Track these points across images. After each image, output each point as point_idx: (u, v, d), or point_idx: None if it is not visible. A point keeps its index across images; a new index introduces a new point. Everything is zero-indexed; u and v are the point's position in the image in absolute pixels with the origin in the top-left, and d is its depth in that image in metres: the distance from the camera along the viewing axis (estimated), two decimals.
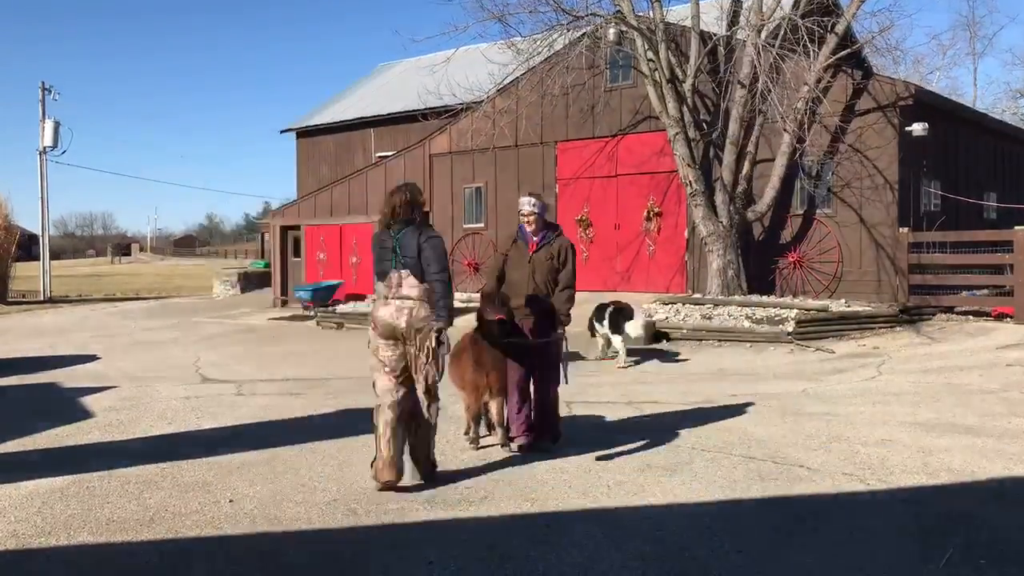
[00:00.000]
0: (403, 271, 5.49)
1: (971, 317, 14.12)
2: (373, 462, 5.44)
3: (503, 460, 6.16)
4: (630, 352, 11.71)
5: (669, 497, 5.25)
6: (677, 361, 11.89)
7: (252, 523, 4.88)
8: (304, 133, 29.33)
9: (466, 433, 6.57)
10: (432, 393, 5.50)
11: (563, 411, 6.97)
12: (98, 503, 5.27)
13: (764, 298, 15.12)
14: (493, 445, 6.47)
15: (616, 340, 11.59)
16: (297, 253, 24.02)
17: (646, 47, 15.49)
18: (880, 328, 13.40)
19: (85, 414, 8.38)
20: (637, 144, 17.91)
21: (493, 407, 6.40)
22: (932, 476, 5.61)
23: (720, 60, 16.02)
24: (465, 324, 7.35)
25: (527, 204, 6.50)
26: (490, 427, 6.65)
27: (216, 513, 5.05)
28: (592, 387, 9.57)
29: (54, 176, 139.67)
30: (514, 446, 6.39)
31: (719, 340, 13.20)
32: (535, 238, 6.50)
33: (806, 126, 14.79)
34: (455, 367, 6.51)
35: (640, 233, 18.04)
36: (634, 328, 11.55)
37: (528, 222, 6.50)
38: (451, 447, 6.55)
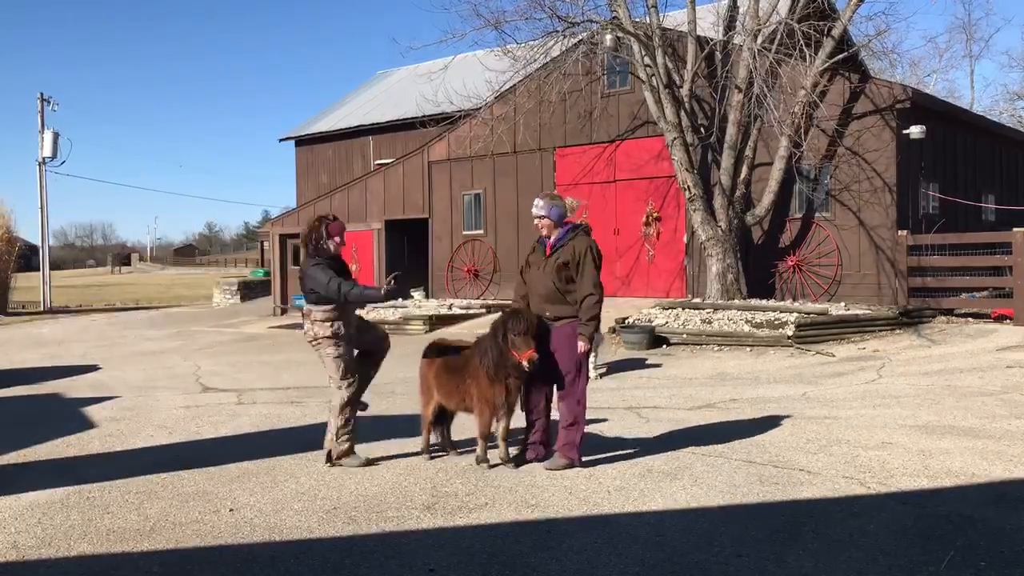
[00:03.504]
0: None
1: (971, 319, 14.12)
2: None
3: (503, 467, 6.14)
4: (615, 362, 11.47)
5: (670, 502, 5.25)
6: (677, 366, 11.88)
7: (253, 532, 4.88)
8: (303, 141, 29.37)
9: (479, 461, 6.18)
10: None
11: None
12: (98, 513, 5.26)
13: (764, 302, 15.13)
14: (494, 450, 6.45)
15: None
16: (297, 261, 24.01)
17: (643, 53, 15.53)
18: (880, 331, 13.40)
19: (86, 424, 8.38)
20: (635, 149, 17.94)
21: (502, 425, 6.12)
22: (933, 479, 5.61)
23: (717, 65, 16.06)
24: (459, 332, 7.33)
25: (535, 207, 6.14)
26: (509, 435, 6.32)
27: (216, 522, 5.05)
28: (592, 392, 9.54)
29: (53, 187, 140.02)
30: (528, 457, 6.13)
31: (719, 344, 13.19)
32: (550, 240, 6.12)
33: (804, 130, 14.83)
34: (458, 381, 6.21)
35: (639, 238, 18.06)
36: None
37: (538, 226, 6.17)
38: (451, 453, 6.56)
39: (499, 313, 6.31)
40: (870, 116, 15.45)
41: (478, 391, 6.05)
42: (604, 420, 7.96)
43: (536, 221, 6.18)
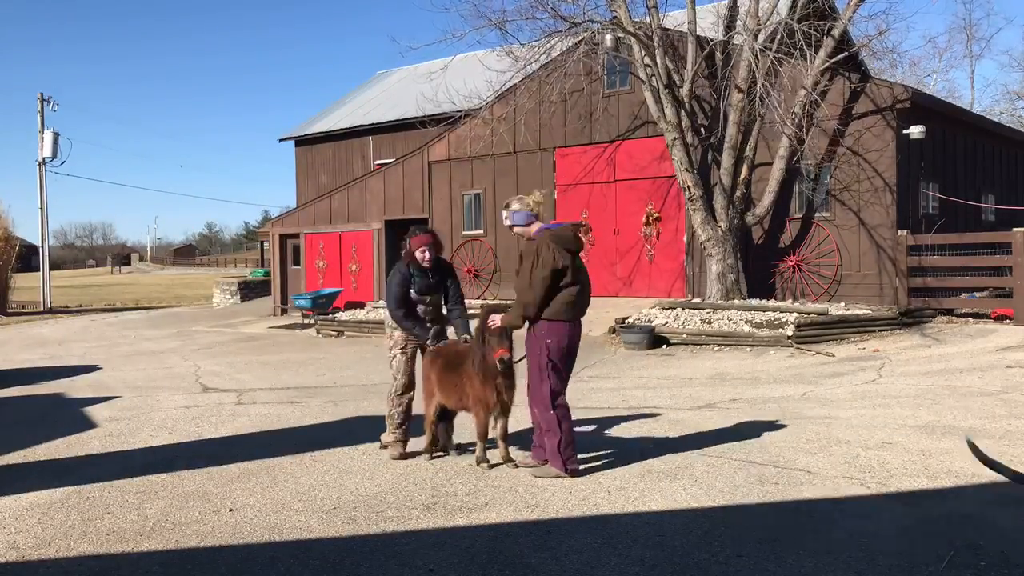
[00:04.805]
0: None
1: (971, 319, 14.12)
2: None
3: (503, 467, 6.14)
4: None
5: (670, 502, 5.25)
6: (677, 366, 11.88)
7: (253, 532, 4.88)
8: (303, 141, 29.37)
9: (479, 462, 6.16)
10: None
11: None
12: (98, 513, 5.27)
13: (764, 302, 15.13)
14: (494, 449, 6.45)
15: None
16: (297, 261, 24.03)
17: (643, 53, 15.52)
18: (880, 331, 13.40)
19: (86, 424, 8.38)
20: (636, 149, 17.94)
21: (500, 424, 6.10)
22: (933, 479, 5.61)
23: (717, 65, 16.05)
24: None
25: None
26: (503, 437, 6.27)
27: (216, 522, 5.05)
28: (592, 392, 9.57)
29: (53, 187, 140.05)
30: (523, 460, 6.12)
31: (719, 344, 13.19)
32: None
33: (804, 129, 14.82)
34: (455, 380, 6.22)
35: (640, 238, 18.05)
36: None
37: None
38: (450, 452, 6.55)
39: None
40: (870, 116, 15.45)
41: (472, 391, 6.08)
42: (603, 420, 7.95)
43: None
